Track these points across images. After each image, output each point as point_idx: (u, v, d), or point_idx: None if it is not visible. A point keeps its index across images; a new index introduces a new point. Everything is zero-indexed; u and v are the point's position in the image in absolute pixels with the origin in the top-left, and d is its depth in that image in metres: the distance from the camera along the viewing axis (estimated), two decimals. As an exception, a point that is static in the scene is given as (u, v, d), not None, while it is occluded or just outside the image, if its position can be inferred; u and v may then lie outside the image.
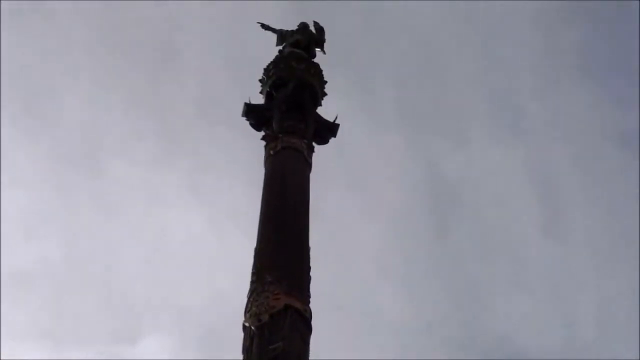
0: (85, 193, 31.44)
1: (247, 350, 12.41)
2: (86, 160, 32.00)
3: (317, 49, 17.79)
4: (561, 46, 36.47)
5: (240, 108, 16.82)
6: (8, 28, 31.17)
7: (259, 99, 16.89)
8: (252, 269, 13.53)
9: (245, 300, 13.11)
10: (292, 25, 18.32)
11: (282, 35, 17.98)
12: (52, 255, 30.53)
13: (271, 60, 17.21)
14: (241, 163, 26.60)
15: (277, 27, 18.33)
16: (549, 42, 36.36)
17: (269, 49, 18.07)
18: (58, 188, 31.62)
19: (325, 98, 17.09)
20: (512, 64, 35.94)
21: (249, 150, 17.36)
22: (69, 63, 32.70)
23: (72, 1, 32.99)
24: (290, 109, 16.17)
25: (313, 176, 15.64)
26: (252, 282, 13.30)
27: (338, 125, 16.75)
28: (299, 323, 12.59)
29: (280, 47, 17.76)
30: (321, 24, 18.09)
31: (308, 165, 15.61)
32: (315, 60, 17.54)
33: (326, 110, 17.00)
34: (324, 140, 16.65)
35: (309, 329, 12.80)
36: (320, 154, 16.44)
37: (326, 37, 17.98)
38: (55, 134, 32.49)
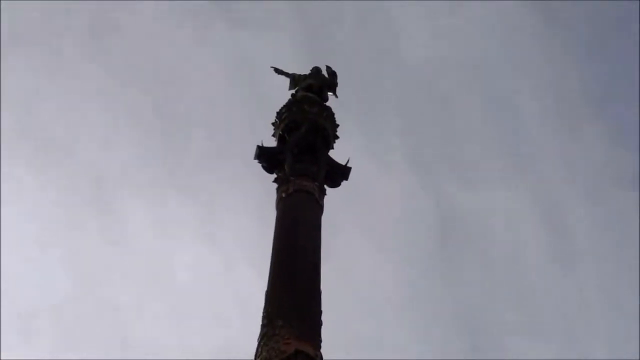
0: (95, 229, 31.54)
1: (258, 395, 12.35)
2: (96, 197, 32.17)
3: (329, 93, 17.94)
4: (569, 88, 36.69)
5: (253, 150, 16.88)
6: (20, 64, 31.59)
7: (272, 142, 16.99)
8: (263, 313, 13.47)
9: (255, 344, 13.04)
10: (305, 69, 18.50)
11: (295, 79, 18.12)
12: (58, 294, 30.45)
13: (284, 103, 17.34)
14: (253, 204, 26.71)
15: (290, 70, 18.47)
16: (557, 83, 36.59)
17: (281, 93, 18.25)
18: (67, 225, 31.72)
19: (337, 140, 17.15)
20: (521, 104, 36.16)
21: (261, 191, 17.44)
22: (82, 100, 33.10)
23: (86, 40, 33.53)
24: (303, 151, 16.24)
25: (325, 217, 15.65)
26: (262, 326, 13.23)
27: (350, 168, 16.79)
28: (309, 368, 12.49)
29: (293, 91, 17.89)
30: (333, 68, 18.23)
31: (320, 208, 15.61)
32: (328, 103, 17.67)
33: (338, 152, 17.11)
34: (335, 183, 16.68)
35: (320, 374, 12.71)
36: (332, 195, 16.51)
37: (338, 81, 18.12)
38: (66, 170, 32.72)
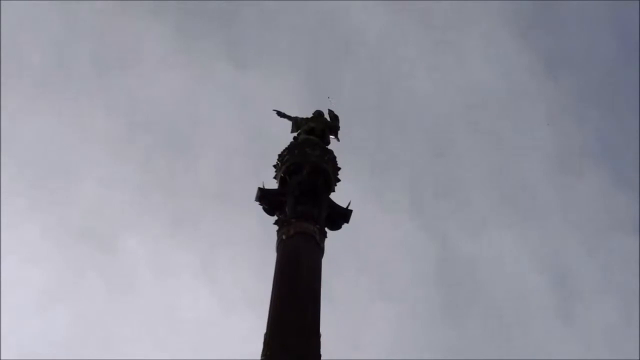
0: (96, 269, 31.39)
1: None
2: (97, 237, 32.02)
3: (331, 136, 18.02)
4: (572, 134, 36.86)
5: (254, 192, 16.91)
6: (22, 103, 31.74)
7: (273, 184, 17.02)
8: (262, 356, 13.42)
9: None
10: (308, 111, 18.60)
11: (297, 122, 18.20)
12: (59, 333, 30.29)
13: (286, 146, 17.40)
14: (253, 246, 26.62)
15: (290, 113, 18.58)
16: (561, 129, 36.76)
17: (284, 135, 18.34)
18: (67, 264, 31.62)
19: (338, 183, 17.19)
20: (525, 150, 36.27)
21: (262, 233, 17.42)
22: (83, 141, 33.15)
23: (88, 81, 33.73)
24: (304, 194, 16.25)
25: (325, 259, 15.63)
26: (260, 370, 13.21)
27: (351, 211, 16.80)
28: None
29: (295, 134, 17.97)
30: (336, 111, 18.35)
31: (320, 251, 15.59)
32: (330, 147, 17.73)
33: (340, 194, 17.13)
34: (336, 226, 16.68)
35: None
36: (334, 238, 16.50)
37: (341, 124, 18.24)
38: (68, 209, 32.64)
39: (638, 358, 27.29)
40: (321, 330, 14.05)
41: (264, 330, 13.88)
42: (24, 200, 31.15)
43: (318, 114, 18.31)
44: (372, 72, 36.07)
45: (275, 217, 16.40)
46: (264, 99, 31.00)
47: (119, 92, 33.74)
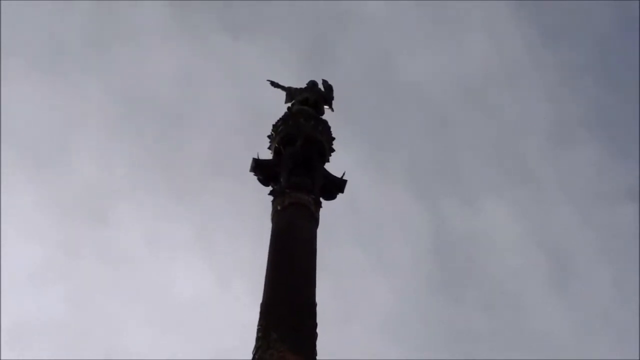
0: (91, 244, 31.46)
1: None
2: (93, 212, 32.11)
3: (325, 107, 18.01)
4: (567, 103, 36.84)
5: (248, 163, 16.92)
6: (17, 80, 31.60)
7: (268, 155, 17.02)
8: (258, 326, 13.48)
9: (250, 357, 13.01)
10: (302, 81, 18.57)
11: (291, 93, 18.17)
12: (55, 309, 30.38)
13: (280, 117, 17.40)
14: (248, 217, 26.58)
15: (287, 84, 18.54)
16: (555, 100, 36.73)
17: (278, 106, 18.30)
18: (64, 239, 31.64)
19: (333, 154, 17.19)
20: (519, 121, 36.29)
21: (257, 204, 17.42)
22: (78, 116, 33.10)
23: (83, 56, 33.59)
24: (298, 165, 16.29)
25: (320, 231, 15.66)
26: (257, 339, 13.24)
27: (346, 181, 16.83)
28: (304, 382, 12.50)
29: (289, 105, 17.94)
30: (330, 81, 18.34)
31: (315, 221, 15.63)
32: (324, 117, 17.74)
33: (335, 165, 17.16)
34: (331, 196, 16.71)
35: (314, 388, 12.73)
36: (329, 209, 16.52)
37: (334, 94, 18.21)
38: (62, 185, 32.74)
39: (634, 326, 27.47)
40: (317, 300, 14.08)
41: (260, 301, 13.93)
42: (18, 176, 31.12)
43: (312, 84, 18.31)
44: (370, 44, 36.02)
45: (270, 188, 16.40)
46: (259, 69, 30.89)
47: (112, 67, 33.64)
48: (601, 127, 36.95)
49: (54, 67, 33.62)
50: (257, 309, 13.79)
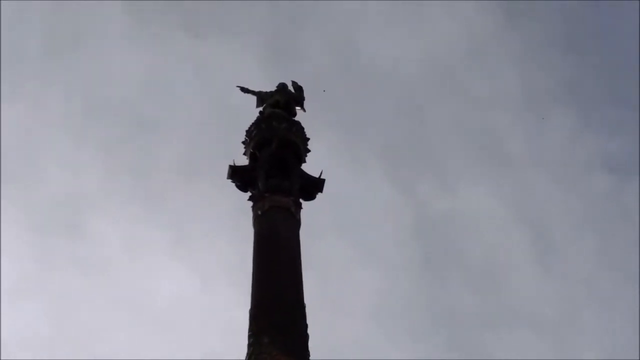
0: (67, 256, 31.02)
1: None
2: (66, 223, 31.61)
3: (297, 107, 18.04)
4: (536, 76, 37.06)
5: (222, 163, 17.00)
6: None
7: (243, 161, 17.04)
8: (249, 332, 13.53)
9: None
10: (268, 79, 18.60)
11: (262, 97, 18.20)
12: (36, 324, 30.01)
13: (252, 122, 17.42)
14: (226, 218, 26.51)
15: (253, 80, 18.58)
16: (524, 74, 36.94)
17: (248, 104, 18.36)
18: (39, 252, 31.24)
19: (310, 152, 17.23)
20: (492, 99, 36.47)
21: (233, 204, 17.46)
22: (41, 126, 32.61)
23: (47, 64, 33.16)
24: (275, 167, 16.33)
25: (303, 229, 15.74)
26: (249, 345, 13.29)
27: (324, 180, 16.89)
28: (300, 384, 12.60)
29: (261, 109, 17.96)
30: (296, 73, 18.49)
31: (297, 223, 15.70)
32: (296, 118, 17.78)
33: (310, 158, 17.19)
34: (310, 197, 16.74)
35: (310, 390, 12.83)
36: (309, 207, 16.57)
37: (304, 93, 18.26)
38: (31, 198, 32.08)
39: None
40: (305, 301, 14.17)
41: (246, 303, 14.08)
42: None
43: (282, 87, 18.32)
44: (332, 33, 36.00)
45: (249, 193, 16.42)
46: (224, 68, 30.76)
47: (74, 73, 33.10)
48: (571, 98, 37.20)
49: (11, 75, 32.80)
50: (243, 310, 13.92)
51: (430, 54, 35.98)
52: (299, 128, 17.28)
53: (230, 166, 16.77)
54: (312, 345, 13.56)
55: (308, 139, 17.32)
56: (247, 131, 17.26)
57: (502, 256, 34.04)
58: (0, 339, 25.54)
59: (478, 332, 32.41)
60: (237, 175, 16.70)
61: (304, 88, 18.31)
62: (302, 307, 14.02)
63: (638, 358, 26.15)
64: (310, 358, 13.34)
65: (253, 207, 15.97)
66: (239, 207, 16.73)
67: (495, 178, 35.69)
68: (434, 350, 31.10)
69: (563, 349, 31.80)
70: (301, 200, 16.28)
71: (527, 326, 32.35)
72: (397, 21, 36.42)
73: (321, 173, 16.93)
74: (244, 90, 18.57)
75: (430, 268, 33.81)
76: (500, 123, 36.18)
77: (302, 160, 16.98)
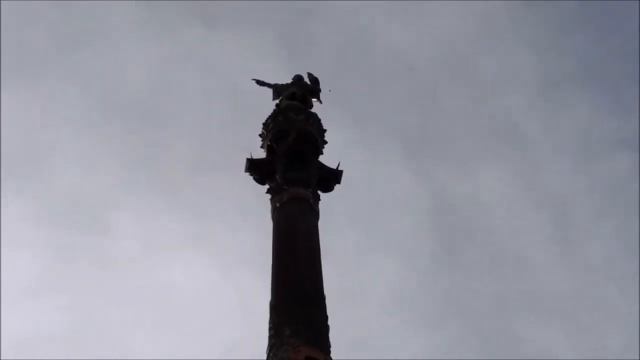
0: (88, 251, 31.06)
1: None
2: (85, 218, 31.66)
3: (313, 99, 18.04)
4: (552, 58, 36.83)
5: (238, 155, 17.08)
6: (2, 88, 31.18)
7: (261, 153, 17.07)
8: (269, 324, 13.62)
9: (261, 354, 13.21)
10: (283, 70, 18.59)
11: (278, 89, 18.21)
12: (58, 320, 30.05)
13: (269, 114, 17.43)
14: (244, 209, 26.49)
15: (268, 71, 18.60)
16: (541, 55, 36.70)
17: (263, 95, 18.41)
18: (59, 248, 31.30)
19: (327, 143, 17.22)
20: (507, 82, 36.29)
21: (251, 195, 17.50)
22: (58, 122, 32.65)
23: (62, 60, 33.27)
24: (293, 160, 16.35)
25: (322, 221, 15.78)
26: (270, 337, 13.39)
27: (341, 171, 16.91)
28: (321, 375, 12.66)
29: (277, 101, 17.98)
30: (311, 64, 18.49)
31: (315, 214, 15.74)
32: (313, 110, 17.77)
33: (330, 154, 17.23)
34: (328, 188, 16.77)
35: (332, 380, 12.90)
36: (326, 198, 16.60)
37: (320, 86, 18.27)
38: (51, 194, 32.15)
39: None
40: (324, 292, 14.20)
41: (266, 295, 14.15)
42: (5, 189, 30.78)
43: (298, 79, 18.33)
44: (345, 22, 35.90)
45: (267, 186, 16.46)
46: (237, 60, 30.75)
47: (88, 69, 33.25)
48: (588, 79, 36.98)
49: (23, 72, 32.94)
50: (263, 302, 13.96)
51: (444, 39, 35.85)
52: (315, 120, 17.28)
53: (248, 159, 16.80)
54: (332, 336, 13.62)
55: (325, 131, 17.33)
56: (264, 124, 17.27)
57: (521, 240, 33.98)
58: (0, 339, 25.67)
59: (497, 317, 32.43)
60: (255, 168, 16.74)
61: (319, 79, 18.33)
62: (322, 298, 14.07)
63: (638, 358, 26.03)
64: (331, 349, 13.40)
65: (271, 199, 16.00)
66: (257, 199, 16.81)
67: (512, 162, 35.61)
68: (452, 336, 31.19)
69: (584, 333, 31.78)
70: (319, 192, 16.32)
71: (548, 310, 32.31)
72: (410, 7, 36.28)
73: (339, 164, 16.97)
74: (260, 83, 18.57)
75: (448, 251, 33.83)
76: (517, 106, 36.07)
77: (320, 151, 16.98)
